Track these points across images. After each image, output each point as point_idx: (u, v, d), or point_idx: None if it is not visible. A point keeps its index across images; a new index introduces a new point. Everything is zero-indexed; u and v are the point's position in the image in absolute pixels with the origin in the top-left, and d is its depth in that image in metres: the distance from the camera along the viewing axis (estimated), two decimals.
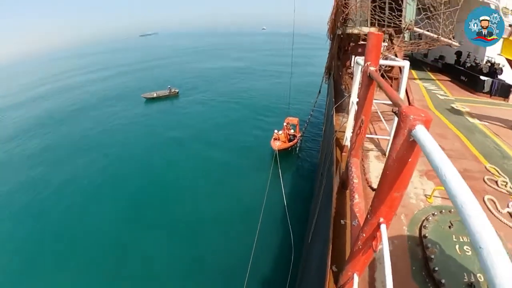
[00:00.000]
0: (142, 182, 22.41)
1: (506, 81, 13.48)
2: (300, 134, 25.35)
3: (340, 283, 3.74)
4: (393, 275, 2.37)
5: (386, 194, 2.31)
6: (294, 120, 25.43)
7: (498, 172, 6.60)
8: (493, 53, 14.52)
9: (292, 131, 24.93)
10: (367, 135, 6.12)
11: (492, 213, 5.25)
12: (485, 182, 6.20)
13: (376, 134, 8.54)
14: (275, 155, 21.55)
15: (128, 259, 15.59)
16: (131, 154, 27.15)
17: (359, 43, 12.15)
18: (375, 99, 5.02)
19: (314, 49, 74.37)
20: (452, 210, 4.98)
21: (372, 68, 4.24)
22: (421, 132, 1.79)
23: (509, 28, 12.18)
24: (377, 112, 8.59)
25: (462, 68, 15.95)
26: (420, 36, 12.33)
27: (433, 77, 17.28)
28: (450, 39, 10.44)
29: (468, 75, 14.99)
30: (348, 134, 7.39)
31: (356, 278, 3.29)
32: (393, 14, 10.23)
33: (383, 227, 2.48)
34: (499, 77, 13.80)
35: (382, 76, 10.61)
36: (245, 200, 18.98)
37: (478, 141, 8.36)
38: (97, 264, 15.41)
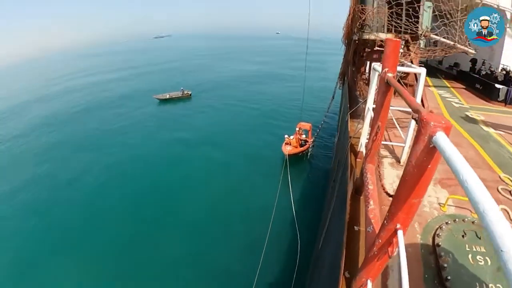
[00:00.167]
0: (149, 182, 22.67)
1: None
2: (312, 140, 25.16)
3: None
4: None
5: (404, 200, 2.31)
6: (306, 125, 25.28)
7: None
8: (509, 60, 14.33)
9: (304, 136, 24.78)
10: (382, 142, 6.10)
11: None
12: (499, 192, 6.11)
13: (390, 141, 8.49)
14: (286, 160, 21.56)
15: (133, 255, 15.78)
16: (141, 154, 27.48)
17: (375, 49, 12.13)
18: (390, 106, 5.01)
19: (327, 54, 74.28)
20: (466, 219, 4.94)
21: (389, 75, 4.23)
22: (441, 138, 1.79)
23: None
24: (392, 119, 8.54)
25: (477, 76, 15.73)
26: (436, 43, 12.26)
27: (447, 84, 17.10)
28: (466, 46, 10.37)
29: (483, 83, 14.78)
30: (363, 140, 7.37)
31: (369, 284, 3.28)
32: (410, 20, 10.21)
33: (400, 233, 2.47)
34: None
35: (398, 82, 10.58)
36: (255, 205, 18.94)
37: (492, 150, 8.24)
38: (104, 261, 15.63)
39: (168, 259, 15.41)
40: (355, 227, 5.39)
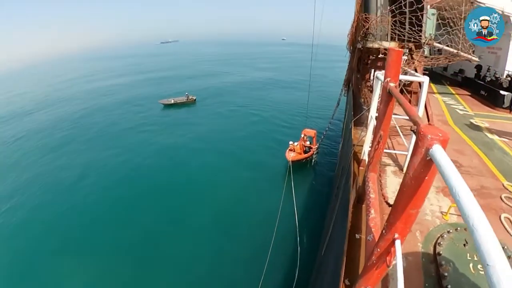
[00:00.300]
0: (152, 186, 22.73)
1: None
2: (316, 146, 25.14)
3: None
4: None
5: (402, 211, 2.34)
6: (311, 132, 25.27)
7: None
8: None
9: (308, 143, 24.76)
10: (384, 150, 6.12)
11: (509, 232, 5.18)
12: (502, 200, 6.11)
13: (394, 149, 8.51)
14: (289, 166, 21.60)
15: (136, 258, 15.86)
16: (144, 159, 27.65)
17: (379, 56, 12.16)
18: (394, 114, 5.04)
19: (333, 60, 74.41)
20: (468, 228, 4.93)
21: (392, 84, 4.27)
22: (437, 151, 1.83)
23: None
24: (395, 127, 8.56)
25: (482, 83, 15.70)
26: (439, 51, 12.27)
27: (452, 91, 17.08)
28: (469, 54, 10.38)
29: (487, 89, 14.75)
30: (366, 148, 7.40)
31: None
32: (413, 29, 10.23)
33: (397, 242, 2.51)
34: None
35: (401, 90, 10.61)
36: (258, 212, 18.88)
37: (496, 158, 8.23)
38: (106, 264, 15.68)
39: (170, 265, 15.43)
40: (356, 235, 5.41)
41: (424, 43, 10.21)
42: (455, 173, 1.58)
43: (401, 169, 7.45)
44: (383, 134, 4.65)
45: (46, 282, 14.93)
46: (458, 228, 4.96)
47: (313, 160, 24.79)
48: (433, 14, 10.49)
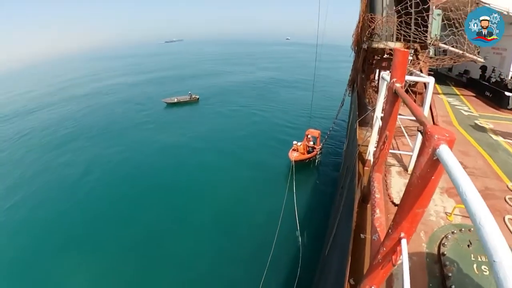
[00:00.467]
0: (154, 184, 22.93)
1: None
2: (319, 147, 25.09)
3: None
4: None
5: (408, 210, 2.36)
6: (315, 132, 25.13)
7: None
8: None
9: (312, 143, 24.72)
10: (389, 150, 6.13)
11: None
12: (507, 202, 6.10)
13: (399, 149, 8.51)
14: (292, 166, 21.52)
15: (137, 256, 15.95)
16: (146, 156, 27.92)
17: (384, 57, 12.14)
18: (399, 115, 5.05)
19: (338, 61, 74.34)
20: (472, 229, 4.93)
21: (397, 85, 4.28)
22: (444, 151, 1.85)
23: None
24: (400, 127, 8.56)
25: (487, 83, 15.61)
26: (445, 51, 12.23)
27: (457, 92, 17.01)
28: (475, 55, 10.35)
29: (492, 90, 14.67)
30: (371, 148, 7.41)
31: None
32: (419, 29, 10.22)
33: (403, 242, 2.52)
34: None
35: (407, 91, 10.59)
36: (260, 212, 18.89)
37: (501, 159, 8.21)
38: (106, 261, 15.86)
39: (172, 262, 15.53)
40: (361, 235, 5.43)
41: (430, 43, 10.19)
42: (462, 173, 1.60)
43: (406, 170, 7.45)
44: (388, 134, 4.66)
45: (50, 279, 15.03)
46: (463, 229, 4.96)
47: (316, 160, 24.71)
48: (438, 15, 10.47)
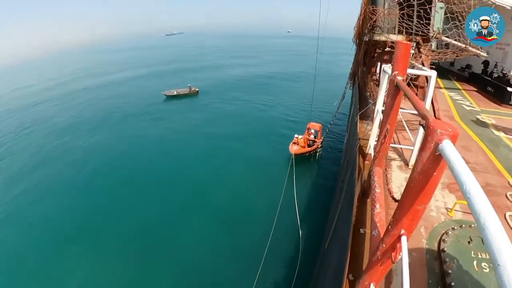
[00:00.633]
0: (153, 177, 23.02)
1: None
2: (320, 140, 24.98)
3: None
4: (410, 286, 2.37)
5: (409, 206, 2.31)
6: (316, 126, 24.99)
7: None
8: None
9: (313, 136, 24.60)
10: (390, 145, 6.07)
11: None
12: (508, 198, 6.04)
13: (399, 144, 8.45)
14: (292, 159, 21.47)
15: (138, 249, 15.97)
16: (143, 149, 27.94)
17: (385, 50, 12.04)
18: (400, 108, 4.98)
19: (339, 54, 74.01)
20: (473, 225, 4.90)
21: (399, 78, 4.22)
22: (447, 147, 1.79)
23: None
24: (401, 121, 8.49)
25: (489, 79, 15.49)
26: (447, 45, 12.11)
27: (459, 86, 16.90)
28: (477, 49, 10.24)
29: (495, 85, 14.56)
30: (372, 142, 7.35)
31: None
32: (421, 22, 10.11)
33: (403, 239, 2.47)
34: None
35: (408, 84, 10.51)
36: (258, 205, 18.85)
37: (502, 155, 8.15)
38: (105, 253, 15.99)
39: (171, 254, 15.60)
40: (361, 229, 5.39)
41: (432, 36, 10.09)
42: (466, 169, 1.54)
43: (407, 164, 7.40)
44: (389, 128, 4.60)
45: (50, 272, 15.06)
46: (463, 225, 4.92)
47: (317, 154, 24.63)
48: (441, 8, 10.33)
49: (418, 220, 2.43)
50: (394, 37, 10.47)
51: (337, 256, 6.75)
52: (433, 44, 11.33)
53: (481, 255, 4.30)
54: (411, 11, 10.27)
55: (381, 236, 2.88)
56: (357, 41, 15.28)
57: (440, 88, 16.19)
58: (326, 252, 10.05)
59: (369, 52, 12.84)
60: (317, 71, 30.43)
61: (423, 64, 9.56)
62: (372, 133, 7.25)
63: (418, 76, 11.61)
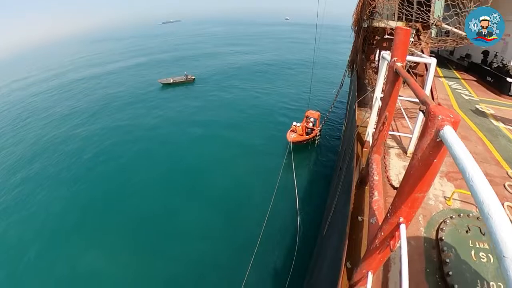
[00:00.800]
0: (144, 161, 23.39)
1: None
2: (318, 128, 24.84)
3: (354, 280, 3.74)
4: (407, 275, 2.35)
5: (408, 194, 2.27)
6: (315, 114, 24.73)
7: None
8: None
9: (311, 124, 24.50)
10: (389, 132, 6.03)
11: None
12: (506, 189, 6.02)
13: (398, 131, 8.41)
14: (289, 147, 21.46)
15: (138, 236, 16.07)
16: (140, 136, 28.02)
17: (384, 37, 11.93)
18: (399, 96, 4.92)
19: (338, 42, 73.60)
20: (471, 214, 4.89)
21: (398, 64, 4.16)
22: (449, 133, 1.74)
23: None
24: (400, 109, 8.44)
25: (489, 68, 15.39)
26: (447, 33, 11.99)
27: (458, 75, 16.83)
28: None
29: (494, 76, 14.48)
30: (370, 129, 7.31)
31: (370, 277, 3.28)
32: (421, 8, 9.99)
33: (402, 227, 2.44)
34: None
35: (407, 72, 10.42)
36: (254, 192, 18.89)
37: (501, 145, 8.12)
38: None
39: (169, 238, 15.83)
40: (358, 217, 5.37)
41: (433, 24, 9.97)
42: (469, 156, 1.49)
43: (405, 152, 7.37)
44: (388, 115, 4.55)
45: (62, 257, 15.34)
46: (461, 214, 4.90)
47: (316, 142, 24.58)
48: None
49: (417, 208, 2.40)
50: (393, 24, 10.35)
51: (335, 243, 6.75)
52: (433, 32, 11.23)
53: (479, 245, 4.29)
54: None
55: (380, 224, 2.85)
56: (356, 28, 15.15)
57: (439, 77, 16.11)
58: (323, 240, 10.08)
59: (368, 39, 12.73)
60: (315, 58, 30.24)
61: (422, 52, 9.46)
62: (371, 120, 7.20)
63: (417, 64, 11.54)
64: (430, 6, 9.91)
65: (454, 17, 9.93)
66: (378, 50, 12.24)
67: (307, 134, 23.89)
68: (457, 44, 10.47)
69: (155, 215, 17.50)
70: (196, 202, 18.35)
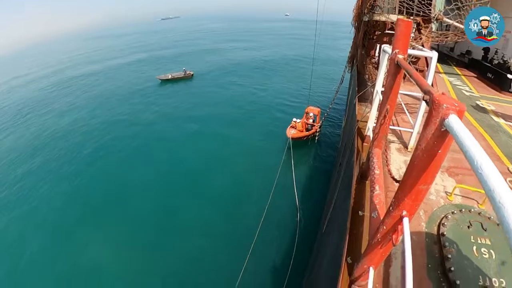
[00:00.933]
0: (140, 156, 23.58)
1: None
2: (319, 124, 24.76)
3: (355, 275, 3.69)
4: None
5: (411, 186, 2.20)
6: (315, 110, 24.74)
7: None
8: None
9: (311, 120, 24.41)
10: (389, 127, 5.98)
11: None
12: (508, 184, 5.96)
13: (399, 126, 8.35)
14: (289, 143, 21.42)
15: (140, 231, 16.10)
16: (137, 132, 28.08)
17: (385, 31, 11.86)
18: (399, 90, 4.86)
19: (338, 38, 73.47)
20: (472, 209, 4.84)
21: (400, 56, 4.08)
22: (454, 121, 1.68)
23: None
24: (401, 104, 8.38)
25: (489, 65, 15.35)
26: (448, 27, 11.91)
27: (459, 72, 16.77)
28: None
29: (494, 72, 14.42)
30: (371, 124, 7.25)
31: (371, 272, 3.23)
32: (423, 2, 9.91)
33: (405, 220, 2.38)
34: None
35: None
36: (253, 189, 18.87)
37: (502, 141, 8.08)
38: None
39: (171, 232, 16.01)
40: (359, 212, 5.32)
41: (434, 17, 9.89)
42: (476, 144, 1.42)
43: (406, 147, 7.31)
44: (389, 108, 4.49)
45: (68, 250, 15.49)
46: (463, 209, 4.84)
47: (316, 138, 24.52)
48: None
49: (420, 201, 2.33)
50: (394, 17, 10.27)
51: (335, 239, 6.71)
52: (434, 26, 11.16)
53: (480, 240, 4.24)
54: None
55: (381, 218, 2.79)
56: (356, 23, 15.08)
57: (440, 73, 16.05)
58: (323, 235, 10.05)
59: (368, 34, 12.66)
60: (315, 55, 30.11)
61: (423, 46, 9.39)
62: (371, 115, 7.13)
63: (418, 59, 11.48)
64: (431, 0, 9.83)
65: (455, 11, 9.86)
66: (378, 45, 12.18)
67: (307, 130, 23.83)
68: (458, 39, 10.39)
69: (155, 212, 17.57)
70: (195, 199, 18.40)
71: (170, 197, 18.68)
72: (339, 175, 10.05)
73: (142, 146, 25.25)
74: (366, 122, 7.51)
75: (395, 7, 10.41)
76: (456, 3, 9.77)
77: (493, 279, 3.71)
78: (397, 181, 3.78)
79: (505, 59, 14.76)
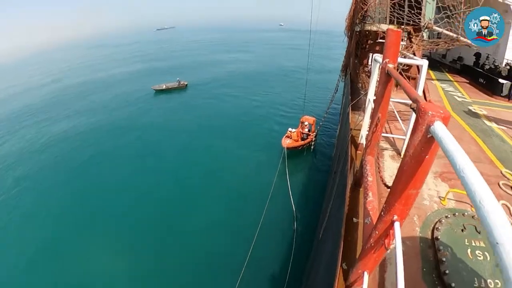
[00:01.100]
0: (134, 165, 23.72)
1: None
2: (314, 134, 24.83)
3: (350, 281, 3.73)
4: (404, 275, 2.34)
5: (401, 191, 2.27)
6: (310, 119, 24.84)
7: None
8: None
9: (307, 130, 24.48)
10: (382, 134, 6.05)
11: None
12: (500, 187, 6.06)
13: (391, 133, 8.44)
14: (284, 153, 21.44)
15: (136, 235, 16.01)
16: (130, 142, 28.29)
17: (377, 40, 12.03)
18: (391, 98, 4.95)
19: (332, 48, 73.98)
20: (466, 213, 4.91)
21: (390, 65, 4.18)
22: (439, 128, 1.76)
23: None
24: (393, 112, 8.48)
25: (481, 70, 15.57)
26: (439, 35, 12.10)
27: (451, 78, 16.98)
28: None
29: (486, 77, 14.63)
30: (364, 132, 7.34)
31: (366, 277, 3.27)
32: (413, 12, 10.09)
33: (396, 224, 2.44)
34: None
35: (400, 74, 10.49)
36: (249, 199, 18.83)
37: (494, 145, 8.17)
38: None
39: (169, 244, 15.91)
40: (354, 219, 5.38)
41: (424, 26, 10.07)
42: (459, 149, 1.50)
43: (399, 154, 7.40)
44: (381, 116, 4.57)
45: (70, 259, 15.35)
46: (456, 213, 4.91)
47: (311, 147, 24.57)
48: None
49: (411, 206, 2.40)
50: (385, 27, 10.42)
51: (331, 246, 6.75)
52: (425, 35, 11.34)
53: (475, 243, 4.30)
54: (402, 1, 10.26)
55: (374, 223, 2.85)
56: (349, 33, 15.27)
57: (432, 79, 16.24)
58: (319, 243, 10.07)
59: (360, 43, 12.82)
60: (310, 64, 30.32)
61: (414, 54, 9.55)
62: (364, 123, 7.23)
63: (409, 67, 11.63)
64: (421, 9, 10.01)
65: (445, 20, 10.04)
66: (371, 54, 12.33)
67: (303, 139, 23.89)
68: (448, 46, 10.57)
69: (153, 222, 17.52)
70: (190, 209, 18.43)
71: (165, 206, 18.72)
72: (334, 183, 10.11)
73: (134, 157, 25.29)
74: (360, 130, 7.60)
75: (386, 17, 10.59)
76: (446, 11, 9.97)
77: (488, 281, 3.76)
78: (388, 187, 3.86)
79: (496, 64, 14.98)
